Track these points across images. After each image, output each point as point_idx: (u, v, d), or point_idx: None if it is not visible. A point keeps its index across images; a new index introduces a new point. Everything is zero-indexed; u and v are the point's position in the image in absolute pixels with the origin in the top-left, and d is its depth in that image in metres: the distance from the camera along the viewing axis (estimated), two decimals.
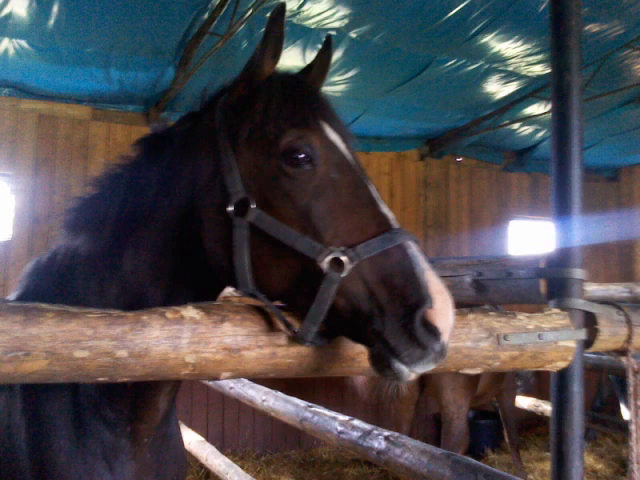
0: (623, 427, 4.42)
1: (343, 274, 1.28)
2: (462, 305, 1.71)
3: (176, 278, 1.56)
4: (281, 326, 1.37)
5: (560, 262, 1.85)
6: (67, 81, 6.54)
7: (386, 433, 2.54)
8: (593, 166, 10.15)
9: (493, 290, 2.06)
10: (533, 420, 8.14)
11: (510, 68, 6.80)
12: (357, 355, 1.50)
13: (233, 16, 5.14)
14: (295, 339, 1.36)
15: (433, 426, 8.44)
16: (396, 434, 2.50)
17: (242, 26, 5.27)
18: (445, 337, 1.24)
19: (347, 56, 6.23)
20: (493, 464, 7.17)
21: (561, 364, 1.78)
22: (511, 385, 6.17)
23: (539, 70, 6.84)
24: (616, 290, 3.94)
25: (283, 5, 1.43)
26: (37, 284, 1.69)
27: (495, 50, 6.32)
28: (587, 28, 5.83)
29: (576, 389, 1.79)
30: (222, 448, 6.73)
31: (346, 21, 5.60)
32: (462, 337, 1.60)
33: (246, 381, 4.37)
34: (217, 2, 5.11)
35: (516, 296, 1.98)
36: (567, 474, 1.76)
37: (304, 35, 5.73)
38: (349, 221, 1.34)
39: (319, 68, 1.64)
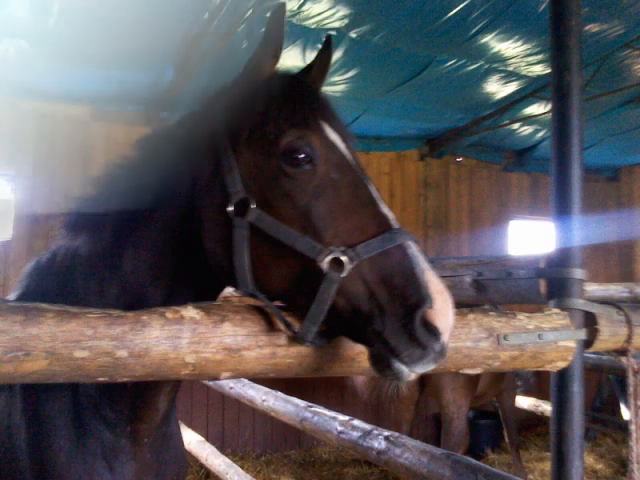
0: (623, 427, 4.42)
1: (343, 274, 1.28)
2: (462, 305, 1.71)
3: (176, 278, 1.56)
4: (281, 326, 1.37)
5: (560, 262, 1.85)
6: (67, 81, 6.54)
7: (386, 433, 2.54)
8: (593, 166, 10.15)
9: (493, 290, 2.06)
10: (533, 420, 8.13)
11: (510, 68, 6.80)
12: (357, 355, 1.50)
13: (233, 16, 5.13)
14: (295, 339, 1.36)
15: (433, 426, 8.43)
16: (396, 434, 2.50)
17: (242, 26, 5.27)
18: (445, 337, 1.24)
19: (347, 56, 6.22)
20: (493, 464, 7.17)
21: (561, 364, 1.78)
22: (511, 385, 6.16)
23: (539, 70, 6.83)
24: (616, 290, 3.94)
25: (283, 5, 1.43)
26: (37, 284, 1.69)
27: (495, 50, 6.32)
28: (587, 28, 5.83)
29: (576, 389, 1.79)
30: (222, 448, 6.72)
31: (346, 21, 5.60)
32: (462, 337, 1.60)
33: (246, 381, 4.36)
34: (217, 2, 5.11)
35: (516, 296, 1.98)
36: (567, 474, 1.76)
37: (304, 35, 5.72)
38: (349, 221, 1.35)
39: (319, 68, 1.64)
